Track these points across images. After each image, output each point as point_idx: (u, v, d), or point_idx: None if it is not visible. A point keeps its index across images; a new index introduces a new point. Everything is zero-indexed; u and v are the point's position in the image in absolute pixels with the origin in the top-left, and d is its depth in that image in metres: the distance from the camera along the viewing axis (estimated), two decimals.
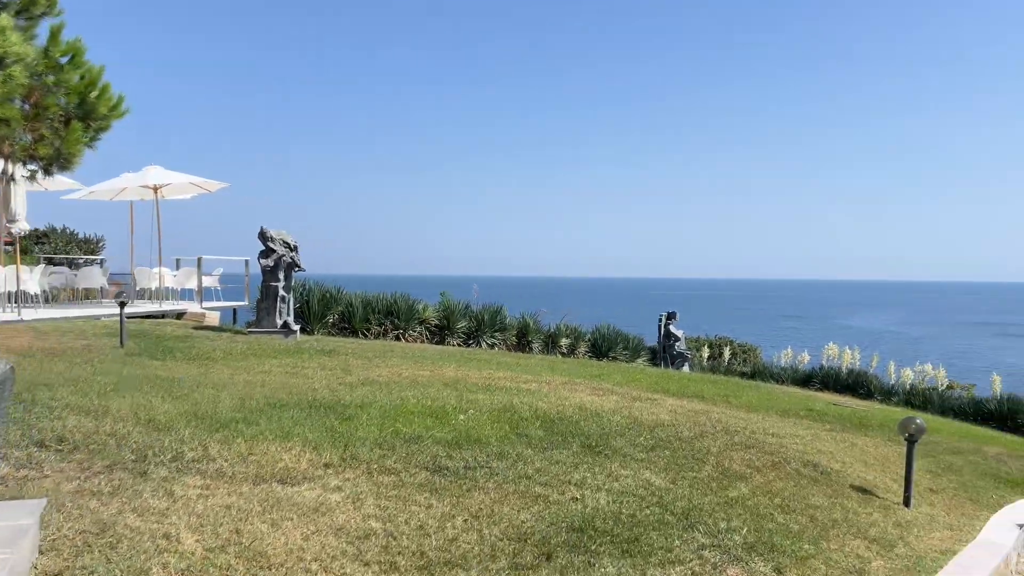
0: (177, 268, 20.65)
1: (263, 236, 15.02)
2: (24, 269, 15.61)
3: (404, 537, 4.22)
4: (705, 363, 24.02)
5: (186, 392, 7.65)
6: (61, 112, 5.12)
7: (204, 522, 4.08)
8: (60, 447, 5.09)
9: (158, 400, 7.03)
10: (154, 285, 19.13)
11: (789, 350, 22.70)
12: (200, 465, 5.06)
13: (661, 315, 23.50)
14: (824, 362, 21.44)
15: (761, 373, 21.82)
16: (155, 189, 18.22)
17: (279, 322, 14.86)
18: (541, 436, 6.76)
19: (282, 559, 3.81)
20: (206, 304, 19.01)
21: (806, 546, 5.28)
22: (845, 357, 20.86)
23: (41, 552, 3.54)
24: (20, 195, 15.70)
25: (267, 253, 15.00)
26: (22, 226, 16.09)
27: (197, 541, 3.86)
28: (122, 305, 12.09)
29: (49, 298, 17.32)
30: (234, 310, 20.23)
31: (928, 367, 19.66)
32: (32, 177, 5.46)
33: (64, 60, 5.15)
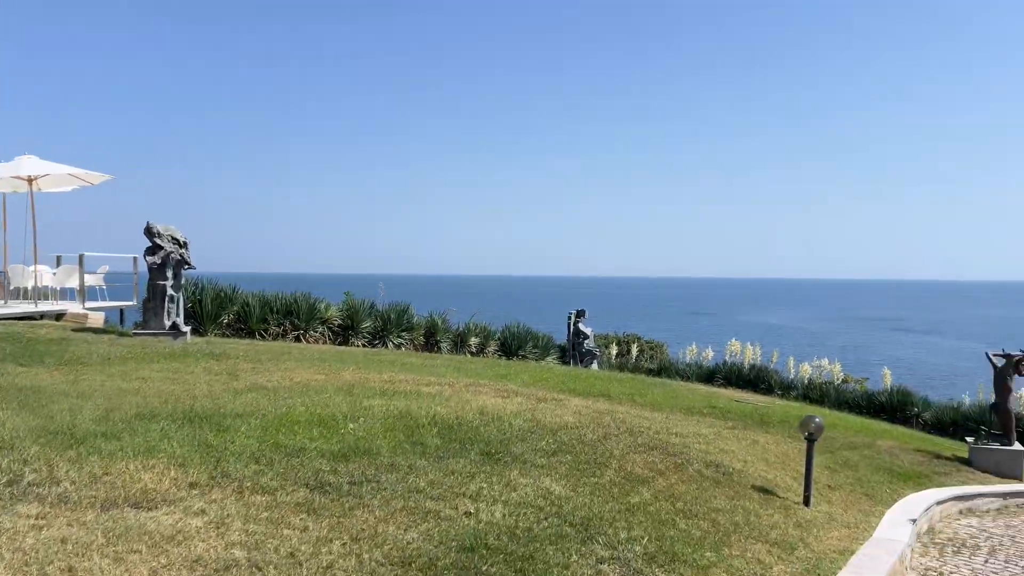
0: (57, 266, 19.18)
1: (149, 232, 14.04)
2: None
3: (272, 567, 3.77)
4: (613, 360, 24.13)
5: (44, 403, 6.90)
6: None
7: (30, 560, 3.52)
8: None
9: (7, 413, 6.29)
10: (30, 284, 17.68)
11: (694, 347, 23.06)
12: (40, 490, 4.45)
13: (570, 312, 23.47)
14: (727, 358, 21.87)
15: (667, 370, 22.07)
16: (29, 180, 16.82)
17: (167, 323, 13.93)
18: (438, 444, 6.38)
19: None
20: (90, 304, 17.69)
21: (708, 554, 5.10)
22: (747, 353, 21.34)
23: None
24: None
25: (154, 250, 14.03)
26: None
27: None
28: None
29: None
30: (121, 311, 18.96)
31: (825, 362, 20.30)
32: None
33: None
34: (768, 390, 19.99)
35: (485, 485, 5.49)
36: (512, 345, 21.06)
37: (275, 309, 17.61)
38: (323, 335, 18.12)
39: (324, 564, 3.89)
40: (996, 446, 10.97)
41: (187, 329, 14.16)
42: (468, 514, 4.89)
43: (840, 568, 5.55)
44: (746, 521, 6.01)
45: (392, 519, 4.61)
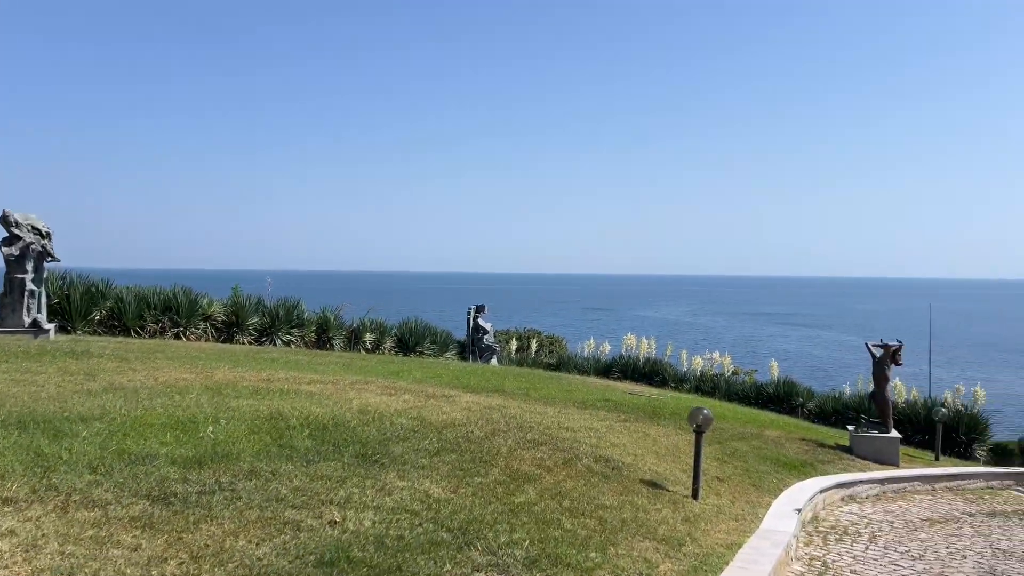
0: None
1: (5, 221, 12.80)
2: None
3: None
4: (513, 355, 23.96)
5: None
6: None
7: None
8: None
9: None
10: None
11: (592, 341, 23.18)
12: None
13: (470, 308, 23.14)
14: (624, 351, 22.08)
15: (566, 364, 22.08)
16: None
17: (27, 320, 12.73)
18: (308, 447, 5.88)
19: None
20: None
21: (592, 554, 4.84)
22: (642, 347, 21.59)
23: None
24: None
25: (11, 240, 12.79)
26: None
27: None
28: None
29: None
30: None
31: (716, 355, 20.76)
32: None
33: None
34: (662, 383, 20.27)
35: (357, 490, 5.06)
36: (409, 341, 20.54)
37: (153, 305, 16.48)
38: (206, 332, 17.10)
39: None
40: (875, 434, 11.33)
41: (51, 327, 12.98)
42: (333, 523, 4.45)
43: (727, 563, 5.42)
44: (634, 517, 5.81)
45: (244, 532, 4.11)
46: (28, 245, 12.80)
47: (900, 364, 11.72)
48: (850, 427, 11.97)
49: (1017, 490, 10.86)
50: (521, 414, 8.62)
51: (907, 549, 7.13)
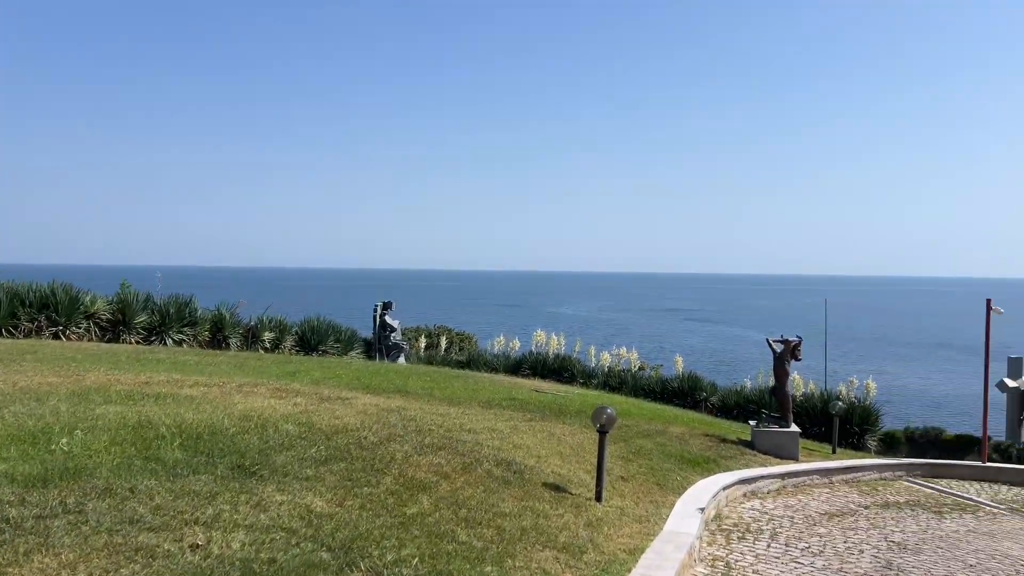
0: None
1: None
2: None
3: None
4: (422, 353, 23.48)
5: None
6: None
7: None
8: None
9: None
10: None
11: (502, 338, 22.96)
12: None
13: (376, 305, 22.52)
14: (533, 348, 21.95)
15: (476, 361, 21.78)
16: None
17: None
18: (178, 459, 5.33)
19: None
20: None
21: (488, 568, 4.52)
22: (552, 343, 21.51)
23: None
24: None
25: None
26: None
27: None
28: None
29: None
30: None
31: (623, 350, 20.88)
32: None
33: None
34: (571, 379, 20.24)
35: (228, 507, 4.56)
36: (311, 340, 19.77)
37: (28, 302, 15.23)
38: (88, 332, 15.92)
39: None
40: (776, 428, 11.48)
41: None
42: (195, 547, 3.96)
43: (630, 570, 5.20)
44: (535, 525, 5.52)
45: (85, 562, 3.59)
46: None
47: (799, 359, 11.93)
48: (752, 422, 12.11)
49: (907, 480, 11.21)
50: (421, 416, 8.23)
51: (807, 545, 7.13)
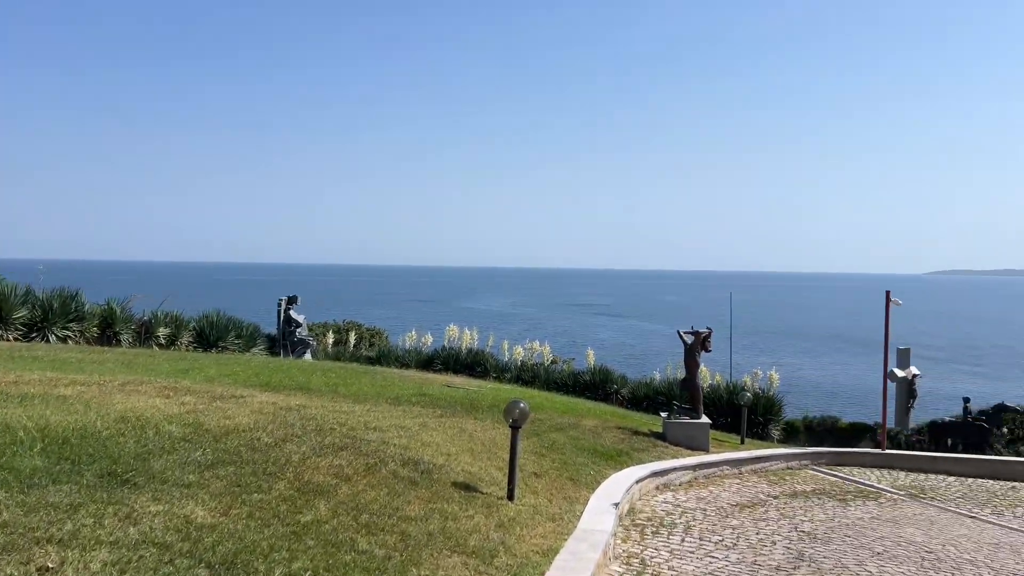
0: None
1: None
2: None
3: None
4: (330, 349, 22.72)
5: None
6: None
7: None
8: None
9: None
10: None
11: (413, 333, 22.46)
12: None
13: (280, 299, 21.64)
14: (446, 343, 21.55)
15: (386, 357, 21.21)
16: None
17: None
18: (37, 467, 4.70)
19: None
20: None
21: None
22: (465, 338, 21.16)
23: None
24: None
25: None
26: None
27: None
28: None
29: None
30: None
31: (536, 344, 20.74)
32: None
33: None
34: (484, 373, 19.95)
35: (91, 521, 4.01)
36: (210, 336, 18.79)
37: None
38: None
39: None
40: (687, 420, 11.48)
41: None
42: (45, 570, 3.42)
43: (543, 573, 4.90)
44: (443, 528, 5.16)
45: None
46: None
47: (710, 351, 11.98)
48: (663, 414, 12.09)
49: (813, 469, 11.42)
50: (323, 415, 7.73)
51: (721, 538, 7.04)
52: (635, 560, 6.24)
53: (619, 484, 7.94)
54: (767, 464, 11.08)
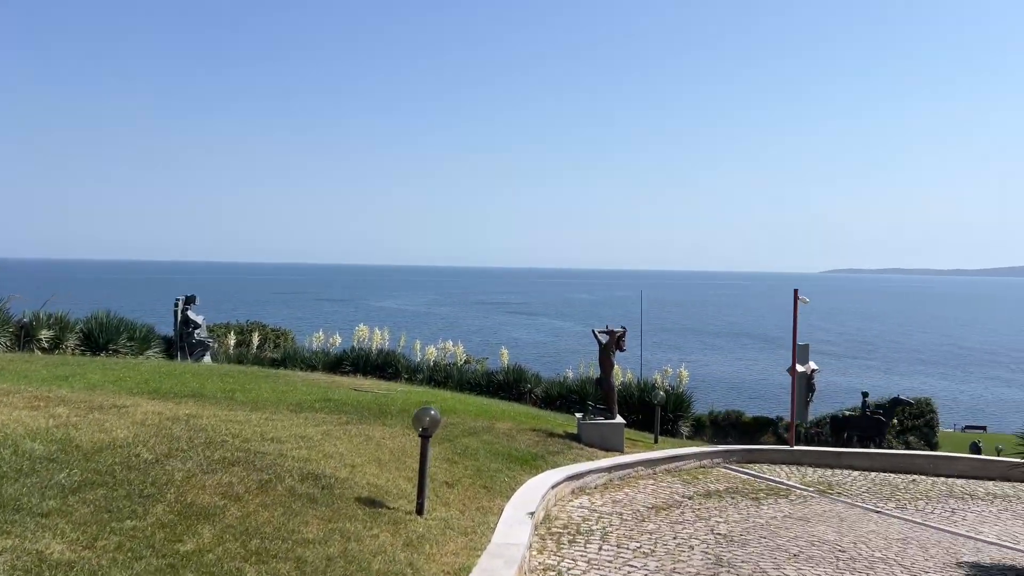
0: None
1: None
2: None
3: None
4: (231, 351, 21.64)
5: None
6: None
7: None
8: None
9: None
10: None
11: (321, 333, 21.68)
12: None
13: (177, 299, 20.42)
14: (356, 344, 20.87)
15: (292, 359, 20.35)
16: None
17: None
18: None
19: None
20: None
21: None
22: (375, 338, 20.53)
23: None
24: None
25: None
26: None
27: None
28: None
29: None
30: None
31: (449, 344, 20.32)
32: None
33: None
34: (395, 375, 19.39)
35: None
36: (99, 338, 17.50)
37: None
38: None
39: None
40: (601, 420, 11.32)
41: None
42: None
43: None
44: (343, 552, 4.70)
45: None
46: None
47: (624, 350, 11.86)
48: (578, 414, 11.90)
49: (725, 467, 11.45)
50: (215, 425, 7.10)
51: (638, 545, 6.82)
52: (552, 573, 5.94)
53: (534, 490, 7.63)
54: (681, 463, 11.03)
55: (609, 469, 9.81)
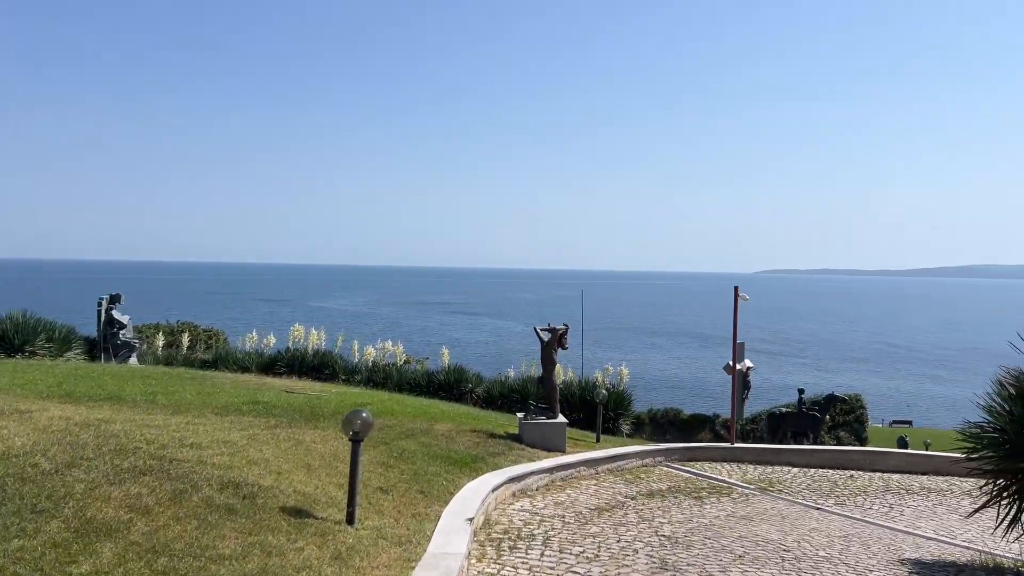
0: None
1: None
2: None
3: None
4: (159, 353, 20.71)
5: None
6: None
7: None
8: None
9: None
10: None
11: (254, 333, 20.95)
12: None
13: (101, 298, 19.44)
14: (291, 344, 20.23)
15: (224, 360, 19.59)
16: None
17: None
18: None
19: None
20: None
21: None
22: (311, 338, 19.93)
23: None
24: None
25: None
26: None
27: None
28: None
29: None
30: None
31: (388, 344, 19.85)
32: None
33: None
34: (332, 376, 18.84)
35: None
36: (15, 339, 16.46)
37: None
38: None
39: None
40: (543, 420, 11.08)
41: None
42: None
43: None
44: (263, 568, 4.31)
45: None
46: None
47: (566, 348, 11.65)
48: (520, 414, 11.64)
49: (666, 466, 11.33)
50: (128, 430, 6.58)
51: (582, 550, 6.57)
52: None
53: (474, 494, 7.32)
54: (623, 463, 10.87)
55: (551, 470, 9.56)
